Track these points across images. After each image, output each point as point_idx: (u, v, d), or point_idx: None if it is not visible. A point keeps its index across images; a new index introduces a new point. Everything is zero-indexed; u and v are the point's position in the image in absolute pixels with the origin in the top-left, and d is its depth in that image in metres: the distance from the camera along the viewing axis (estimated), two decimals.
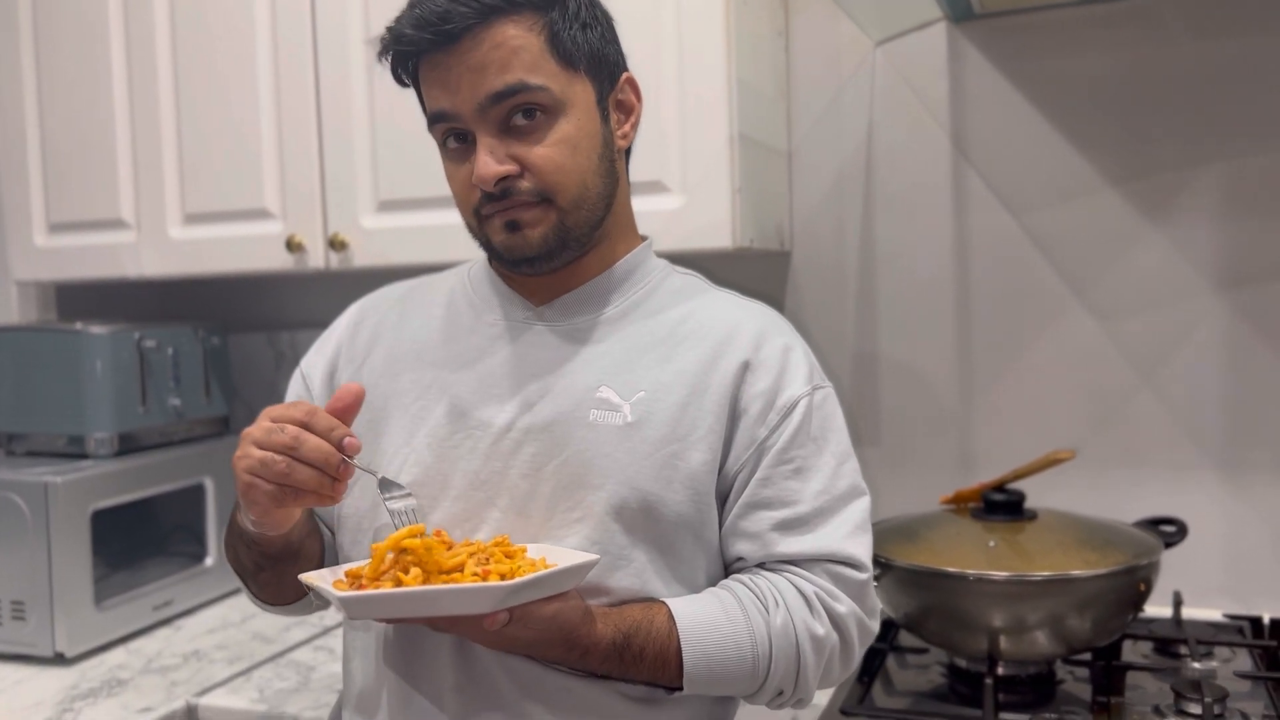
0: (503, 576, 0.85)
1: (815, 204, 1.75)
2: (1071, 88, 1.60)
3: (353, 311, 1.15)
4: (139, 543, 1.75)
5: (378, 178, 1.65)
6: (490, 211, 0.98)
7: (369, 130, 1.65)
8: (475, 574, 0.86)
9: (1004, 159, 1.64)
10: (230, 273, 1.78)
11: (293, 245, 1.69)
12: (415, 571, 0.87)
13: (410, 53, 0.97)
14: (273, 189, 1.72)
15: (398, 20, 0.96)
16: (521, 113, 0.95)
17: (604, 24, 1.02)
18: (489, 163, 0.95)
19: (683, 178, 1.46)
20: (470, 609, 0.84)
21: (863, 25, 1.67)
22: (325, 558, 1.09)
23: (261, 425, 0.88)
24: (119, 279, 1.86)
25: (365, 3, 1.63)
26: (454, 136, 0.98)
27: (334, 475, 0.88)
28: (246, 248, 1.75)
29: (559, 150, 0.96)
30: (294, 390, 1.14)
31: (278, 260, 1.72)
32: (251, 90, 1.72)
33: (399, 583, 0.86)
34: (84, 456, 1.72)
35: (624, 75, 1.03)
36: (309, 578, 0.90)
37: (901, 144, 1.70)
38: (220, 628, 1.73)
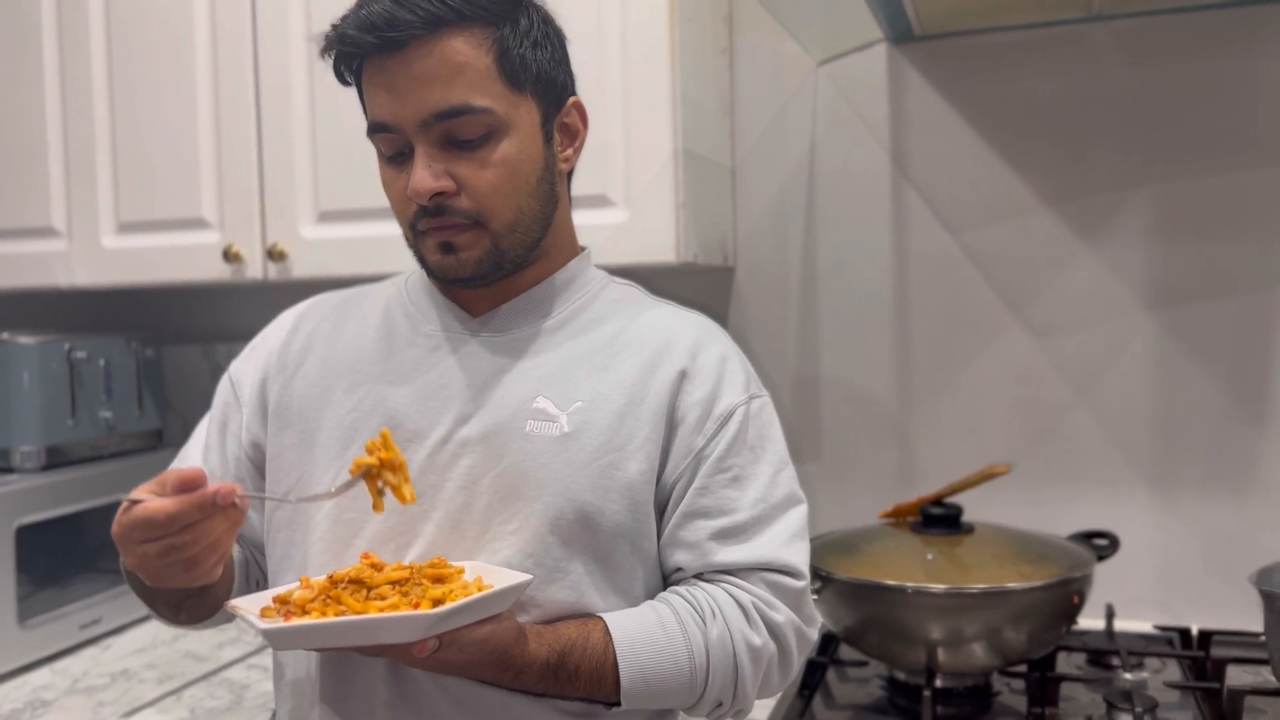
0: (435, 601, 0.84)
1: (758, 220, 1.76)
2: (1008, 110, 1.63)
3: (286, 319, 1.12)
4: (66, 559, 1.70)
5: (318, 188, 1.63)
6: (425, 228, 0.97)
7: (310, 139, 1.63)
8: (407, 601, 0.85)
9: (942, 178, 1.67)
10: (165, 283, 1.74)
11: (230, 255, 1.66)
12: (348, 599, 0.85)
13: (353, 54, 0.96)
14: (210, 198, 1.69)
15: (343, 19, 0.95)
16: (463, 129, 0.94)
17: (555, 44, 1.01)
18: (425, 177, 0.93)
19: (627, 192, 1.47)
20: (398, 638, 0.82)
21: (805, 45, 1.69)
22: (236, 570, 1.05)
23: (144, 547, 0.82)
24: (49, 288, 1.82)
25: (307, 9, 1.61)
26: (392, 145, 0.97)
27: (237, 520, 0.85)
28: (182, 258, 1.71)
29: (497, 172, 0.95)
30: (221, 397, 1.11)
31: (214, 271, 1.69)
32: (189, 95, 1.69)
33: (327, 604, 0.85)
34: (9, 470, 1.67)
35: (571, 99, 1.02)
36: (236, 605, 0.88)
37: (843, 162, 1.72)
38: (150, 646, 1.68)
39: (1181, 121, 1.56)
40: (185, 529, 0.81)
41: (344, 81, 1.00)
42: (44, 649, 1.62)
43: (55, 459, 1.71)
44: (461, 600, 0.83)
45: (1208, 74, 1.55)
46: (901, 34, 1.63)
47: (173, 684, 1.51)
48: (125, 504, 0.83)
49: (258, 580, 1.09)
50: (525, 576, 0.88)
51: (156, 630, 1.76)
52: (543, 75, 0.98)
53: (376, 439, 0.90)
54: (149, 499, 0.81)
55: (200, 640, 1.69)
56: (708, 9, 1.62)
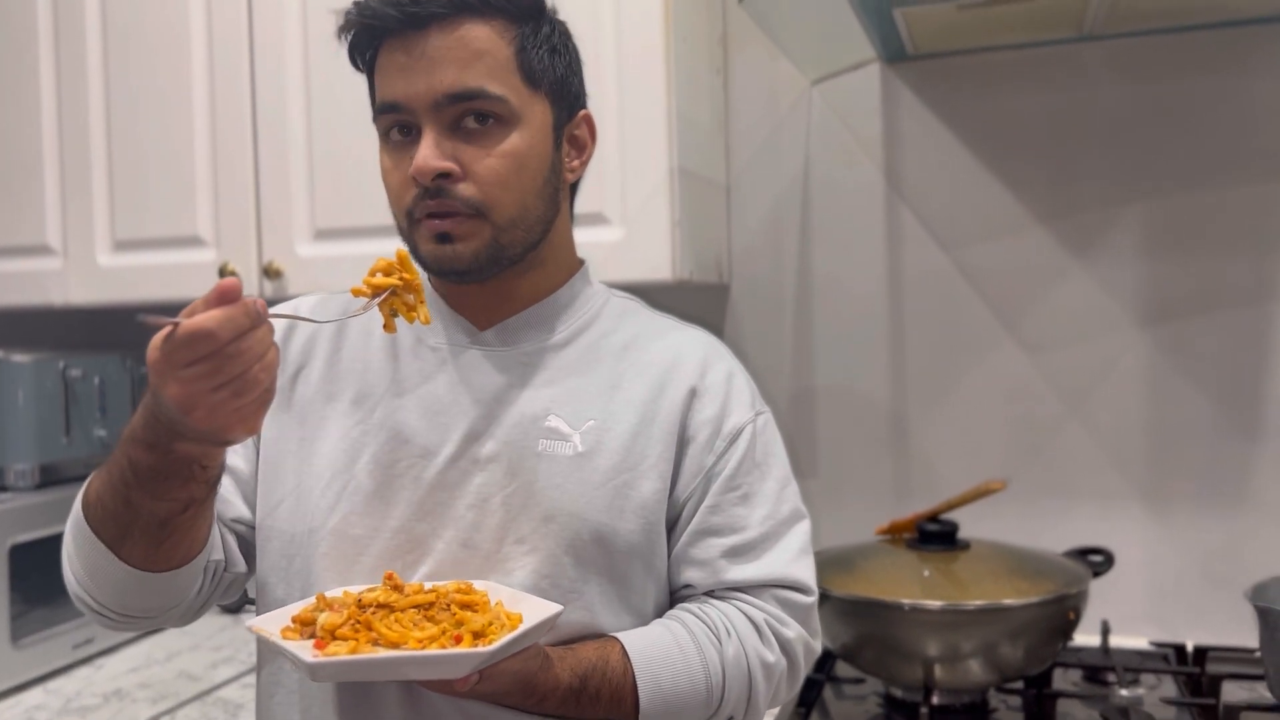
0: (475, 634, 0.83)
1: (753, 237, 1.77)
2: (1000, 128, 1.65)
3: (282, 312, 1.06)
4: (59, 578, 1.68)
5: (314, 205, 1.63)
6: (422, 214, 0.94)
7: (306, 157, 1.63)
8: (448, 633, 0.83)
9: (935, 196, 1.68)
10: (161, 301, 1.74)
11: (226, 273, 1.67)
12: (380, 626, 0.84)
13: (375, 29, 0.94)
14: (206, 215, 1.70)
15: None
16: (474, 116, 0.93)
17: (572, 56, 1.01)
18: (431, 155, 0.91)
19: (623, 210, 1.48)
20: (445, 674, 0.81)
21: (799, 64, 1.71)
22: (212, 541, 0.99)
23: (194, 369, 0.75)
24: (44, 306, 1.81)
25: (304, 26, 1.62)
26: (399, 128, 0.95)
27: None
28: (178, 276, 1.71)
29: (505, 162, 0.94)
30: None
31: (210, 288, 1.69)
32: (186, 113, 1.69)
33: (357, 629, 0.83)
34: (3, 489, 1.67)
35: (582, 111, 1.03)
36: (260, 628, 0.85)
37: (836, 180, 1.73)
38: (144, 666, 1.68)
39: (1172, 139, 1.58)
40: (237, 339, 0.74)
41: (357, 66, 0.99)
42: (37, 669, 1.61)
43: (49, 477, 1.70)
44: (509, 636, 0.81)
45: (1197, 93, 1.56)
46: (894, 54, 1.65)
47: (166, 704, 1.50)
48: (168, 328, 0.74)
49: (216, 567, 1.01)
50: (556, 606, 0.88)
51: (150, 649, 1.75)
52: (558, 80, 0.98)
53: (391, 259, 0.88)
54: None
55: (194, 659, 1.69)
56: (703, 29, 1.63)
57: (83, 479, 1.71)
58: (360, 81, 1.01)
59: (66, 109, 1.77)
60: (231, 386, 0.75)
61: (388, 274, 0.88)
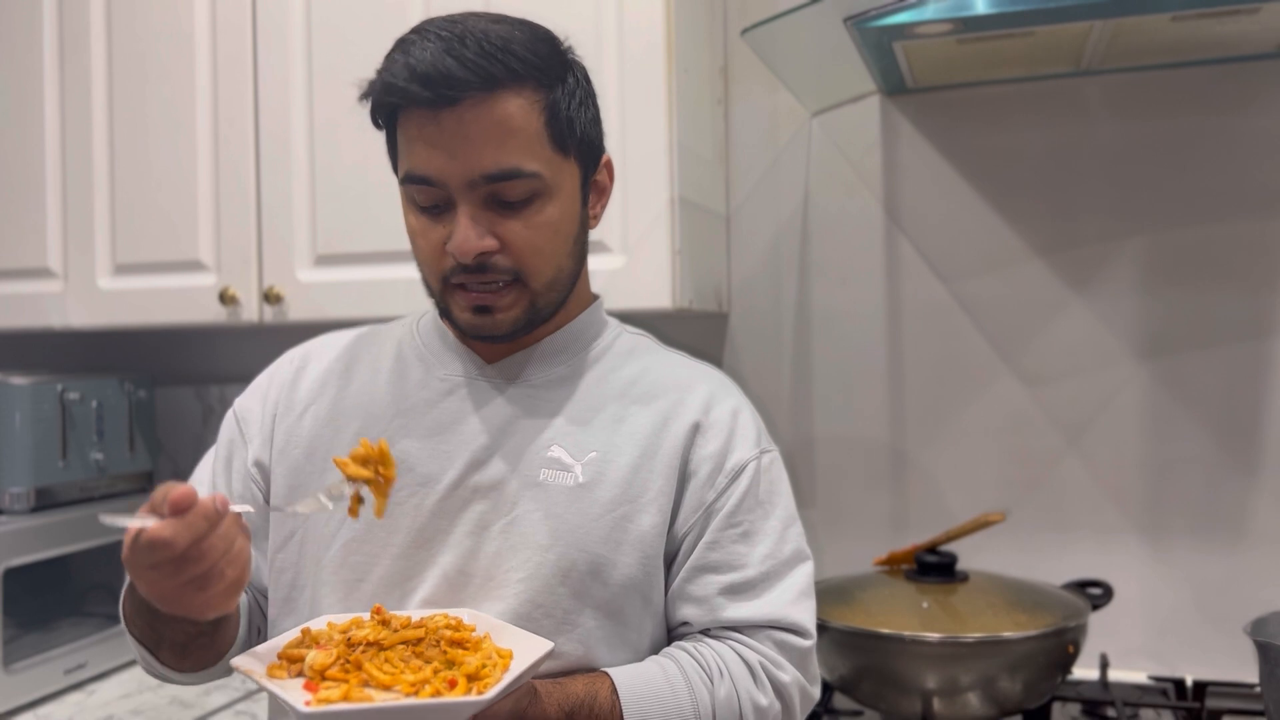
0: (470, 676, 0.82)
1: (752, 267, 1.78)
2: (1000, 162, 1.66)
3: (293, 357, 1.11)
4: (52, 602, 1.68)
5: (316, 231, 1.64)
6: (460, 282, 0.95)
7: (308, 183, 1.64)
8: (440, 675, 0.83)
9: (934, 228, 1.69)
10: (161, 325, 1.74)
11: (226, 298, 1.67)
12: (370, 668, 0.83)
13: (399, 105, 0.93)
14: (207, 240, 1.70)
15: (389, 66, 0.92)
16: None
17: (593, 103, 1.02)
18: (470, 237, 0.92)
19: (624, 238, 1.48)
20: None
21: (799, 96, 1.72)
22: (242, 615, 1.04)
23: (158, 571, 0.79)
24: (44, 329, 1.81)
25: (308, 52, 1.63)
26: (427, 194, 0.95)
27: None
28: (178, 300, 1.72)
29: (540, 233, 0.95)
30: (226, 434, 1.09)
31: (210, 313, 1.69)
32: (189, 137, 1.70)
33: (347, 670, 0.83)
34: None
35: (604, 158, 1.04)
36: (249, 670, 0.84)
37: (836, 211, 1.74)
38: (136, 692, 1.66)
39: (1169, 174, 1.59)
40: (196, 542, 0.78)
41: (379, 126, 0.99)
42: (28, 694, 1.60)
43: (45, 500, 1.70)
44: (503, 683, 0.81)
45: (1194, 128, 1.58)
46: (894, 86, 1.66)
47: None
48: (132, 531, 0.79)
49: (259, 628, 1.07)
50: (546, 643, 0.87)
51: (142, 676, 1.73)
52: (585, 137, 0.99)
53: (373, 447, 0.89)
54: (153, 521, 0.78)
55: (186, 686, 1.67)
56: (704, 60, 1.65)
57: (78, 503, 1.73)
58: (364, 106, 1.00)
59: (69, 132, 1.77)
60: (196, 583, 0.79)
61: (364, 463, 0.89)
